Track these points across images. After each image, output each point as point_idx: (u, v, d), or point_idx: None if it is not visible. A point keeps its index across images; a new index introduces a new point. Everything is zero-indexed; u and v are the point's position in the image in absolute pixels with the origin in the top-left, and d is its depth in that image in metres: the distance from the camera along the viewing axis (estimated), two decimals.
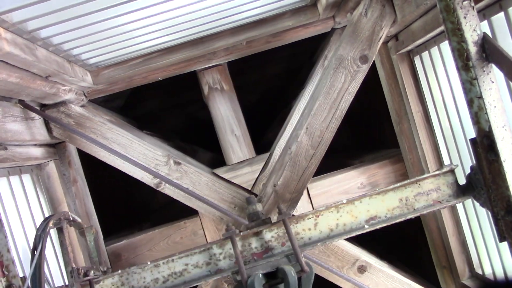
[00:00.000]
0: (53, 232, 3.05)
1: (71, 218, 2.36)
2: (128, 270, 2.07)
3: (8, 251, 2.06)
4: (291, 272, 1.84)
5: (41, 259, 1.95)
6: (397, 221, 2.09)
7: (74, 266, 2.07)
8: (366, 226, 2.07)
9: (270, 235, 2.06)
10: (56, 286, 2.14)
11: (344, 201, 2.09)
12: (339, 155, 5.37)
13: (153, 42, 3.21)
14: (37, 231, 2.08)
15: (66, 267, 2.11)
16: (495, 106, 1.93)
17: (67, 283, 2.08)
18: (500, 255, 3.08)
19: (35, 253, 1.99)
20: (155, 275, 2.05)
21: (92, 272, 2.08)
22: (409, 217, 2.09)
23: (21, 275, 2.11)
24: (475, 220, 3.21)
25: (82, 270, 2.06)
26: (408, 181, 2.12)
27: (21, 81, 2.46)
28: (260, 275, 1.87)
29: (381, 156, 4.02)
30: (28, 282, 1.97)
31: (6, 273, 2.00)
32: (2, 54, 2.16)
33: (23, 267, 2.51)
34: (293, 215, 2.32)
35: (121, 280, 2.06)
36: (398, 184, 2.11)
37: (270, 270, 1.92)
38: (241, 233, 2.08)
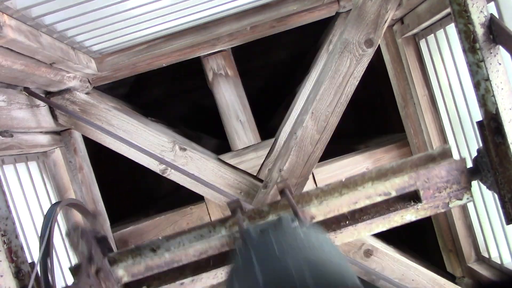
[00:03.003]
0: (59, 218, 3.08)
1: (82, 207, 2.38)
2: (141, 251, 2.09)
3: (17, 237, 2.08)
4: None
5: (49, 245, 1.96)
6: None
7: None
8: None
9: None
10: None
11: (343, 179, 2.09)
12: (345, 140, 5.36)
13: (157, 28, 3.20)
14: (45, 216, 2.09)
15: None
16: (502, 88, 1.92)
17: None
18: (507, 238, 3.08)
19: (43, 238, 2.00)
20: (166, 257, 2.08)
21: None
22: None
23: (29, 261, 2.13)
24: (482, 204, 3.21)
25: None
26: (408, 160, 2.10)
27: (26, 68, 2.46)
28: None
29: (387, 140, 4.01)
30: (37, 267, 1.98)
31: (15, 259, 2.02)
32: (6, 41, 2.16)
33: (31, 253, 2.53)
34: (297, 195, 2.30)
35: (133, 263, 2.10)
36: (400, 163, 2.10)
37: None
38: (247, 210, 2.09)
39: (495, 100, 1.91)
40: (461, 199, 2.11)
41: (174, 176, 3.31)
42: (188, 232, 2.11)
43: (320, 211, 2.09)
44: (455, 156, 2.10)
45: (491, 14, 1.91)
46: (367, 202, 2.09)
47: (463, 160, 2.06)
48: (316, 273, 1.29)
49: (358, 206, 2.10)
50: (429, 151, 2.13)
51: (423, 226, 4.35)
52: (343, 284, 1.28)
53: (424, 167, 2.07)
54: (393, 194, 2.08)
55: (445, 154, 2.09)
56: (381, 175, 2.08)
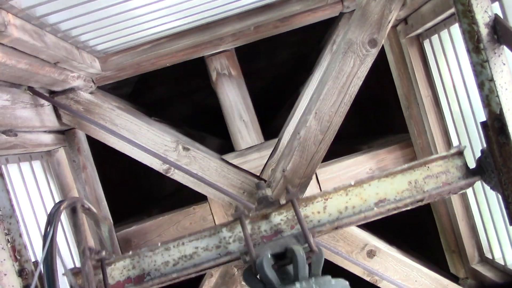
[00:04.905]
0: (63, 218, 3.08)
1: (86, 206, 2.37)
2: (139, 252, 2.09)
3: (20, 236, 2.09)
4: (300, 251, 1.84)
5: (53, 244, 1.96)
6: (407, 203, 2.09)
7: (87, 245, 2.08)
8: (375, 209, 2.06)
9: (279, 218, 2.07)
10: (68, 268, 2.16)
11: (353, 183, 2.09)
12: (348, 141, 5.35)
13: (161, 27, 3.21)
14: (49, 215, 2.09)
15: (78, 246, 2.13)
16: (506, 89, 1.92)
17: (78, 265, 2.09)
18: (510, 239, 3.07)
19: (47, 237, 2.00)
20: (166, 258, 2.07)
21: (103, 252, 2.10)
22: (418, 198, 2.08)
23: (32, 259, 2.13)
24: (485, 204, 3.20)
25: (94, 250, 2.08)
26: (416, 162, 2.11)
27: (30, 68, 2.47)
28: (269, 255, 1.88)
29: (390, 141, 4.01)
30: (41, 266, 1.99)
31: (18, 257, 2.03)
32: (11, 40, 2.16)
33: (34, 252, 2.54)
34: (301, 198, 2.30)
35: (132, 263, 2.08)
36: (406, 166, 2.10)
37: (279, 250, 1.92)
38: (250, 215, 2.09)
39: (499, 101, 1.91)
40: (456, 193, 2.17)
41: (177, 175, 3.32)
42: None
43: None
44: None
45: (496, 14, 1.91)
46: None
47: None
48: None
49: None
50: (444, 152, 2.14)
51: (426, 227, 4.34)
52: None
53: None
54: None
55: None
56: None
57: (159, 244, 2.10)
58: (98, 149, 3.61)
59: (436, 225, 3.78)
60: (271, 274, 1.81)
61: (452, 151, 2.11)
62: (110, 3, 2.55)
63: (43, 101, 3.00)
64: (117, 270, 2.10)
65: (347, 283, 1.85)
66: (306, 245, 1.93)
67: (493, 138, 1.98)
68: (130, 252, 2.12)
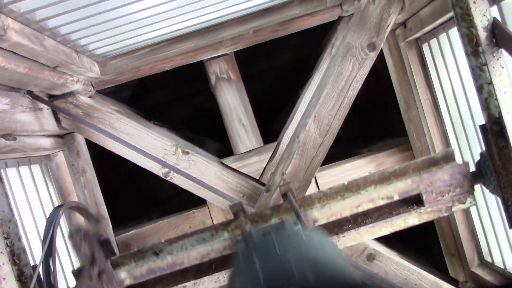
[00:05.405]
0: (62, 222, 3.08)
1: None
2: (144, 254, 2.10)
3: (19, 240, 2.08)
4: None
5: (52, 247, 1.96)
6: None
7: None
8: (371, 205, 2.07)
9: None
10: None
11: (346, 183, 2.09)
12: (347, 144, 5.35)
13: (160, 31, 3.21)
14: (48, 219, 2.09)
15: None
16: (505, 92, 1.92)
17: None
18: (510, 243, 3.07)
19: (46, 241, 2.00)
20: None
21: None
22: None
23: (31, 264, 2.13)
24: (484, 208, 3.20)
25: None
26: (411, 164, 2.10)
27: (29, 72, 2.47)
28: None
29: (389, 144, 4.01)
30: (39, 270, 1.98)
31: (17, 261, 2.02)
32: (10, 44, 2.16)
33: (33, 256, 2.53)
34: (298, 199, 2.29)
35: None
36: (403, 166, 2.10)
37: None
38: (249, 214, 2.09)
39: (498, 104, 1.91)
40: (464, 203, 2.11)
41: (176, 179, 3.32)
42: (191, 235, 2.12)
43: (322, 214, 2.09)
44: (458, 159, 2.10)
45: (494, 18, 1.91)
46: (370, 205, 2.09)
47: (466, 164, 2.06)
48: (317, 270, 1.29)
49: (360, 209, 2.10)
50: (432, 154, 2.13)
51: (426, 230, 4.33)
52: (344, 281, 1.28)
53: (427, 171, 2.07)
54: (396, 197, 2.08)
55: (448, 157, 2.09)
56: (384, 178, 2.09)
57: (163, 241, 2.11)
58: (97, 153, 3.61)
59: (435, 228, 3.77)
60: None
61: (440, 153, 2.10)
62: (110, 7, 2.56)
63: (42, 105, 3.00)
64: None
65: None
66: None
67: (492, 142, 1.98)
68: (136, 250, 2.14)
